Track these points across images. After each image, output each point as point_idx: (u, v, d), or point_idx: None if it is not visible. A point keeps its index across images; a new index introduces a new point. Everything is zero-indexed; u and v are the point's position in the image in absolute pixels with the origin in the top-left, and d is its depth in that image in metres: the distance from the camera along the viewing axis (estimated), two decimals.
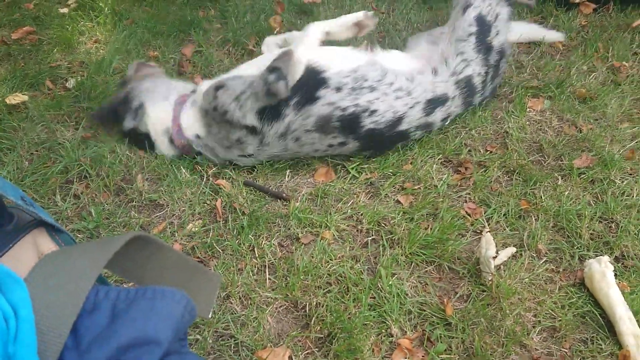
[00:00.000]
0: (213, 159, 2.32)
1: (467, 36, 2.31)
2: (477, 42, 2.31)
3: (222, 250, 2.01)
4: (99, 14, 3.37)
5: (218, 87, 2.20)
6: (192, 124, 2.29)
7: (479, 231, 2.05)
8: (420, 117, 2.26)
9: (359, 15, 2.37)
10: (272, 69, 2.14)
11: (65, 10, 3.47)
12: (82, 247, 0.77)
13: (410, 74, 2.27)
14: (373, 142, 2.25)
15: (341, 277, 1.89)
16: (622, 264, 1.93)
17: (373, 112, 2.17)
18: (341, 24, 2.36)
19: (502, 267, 1.91)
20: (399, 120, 2.22)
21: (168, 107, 2.36)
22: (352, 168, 2.29)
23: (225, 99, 2.17)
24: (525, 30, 2.82)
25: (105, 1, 3.47)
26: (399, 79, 2.23)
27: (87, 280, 0.66)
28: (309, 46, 2.26)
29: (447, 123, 2.39)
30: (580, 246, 1.98)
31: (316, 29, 2.32)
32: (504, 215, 2.09)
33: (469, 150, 2.35)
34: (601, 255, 1.92)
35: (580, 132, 2.38)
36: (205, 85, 2.29)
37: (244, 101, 2.14)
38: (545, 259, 1.95)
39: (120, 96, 2.45)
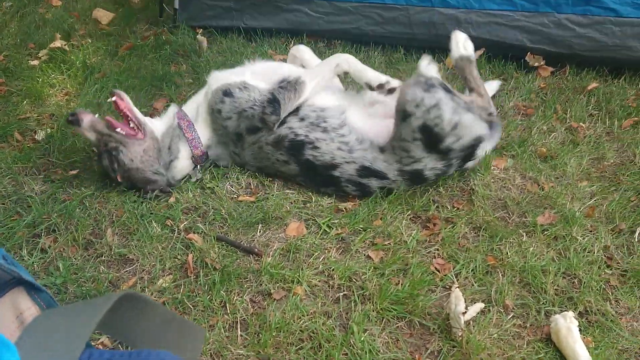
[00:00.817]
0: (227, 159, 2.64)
1: (413, 140, 2.35)
2: (425, 146, 2.35)
3: (193, 306, 1.99)
4: (70, 67, 3.39)
5: (226, 93, 2.49)
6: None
7: (448, 287, 2.08)
8: (353, 174, 2.42)
9: (388, 81, 2.53)
10: (273, 100, 2.42)
11: (35, 62, 3.49)
12: (72, 308, 0.77)
13: (362, 136, 2.45)
14: (309, 173, 2.47)
15: (313, 333, 1.90)
16: (586, 319, 1.99)
17: (316, 147, 2.42)
18: (366, 78, 2.56)
19: (471, 322, 1.94)
20: (333, 166, 2.42)
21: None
22: (324, 223, 2.32)
23: (230, 109, 2.48)
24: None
25: (76, 54, 3.50)
26: (351, 136, 2.43)
27: (78, 343, 0.67)
28: (319, 82, 2.56)
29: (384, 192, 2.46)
30: (546, 301, 2.03)
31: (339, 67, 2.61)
32: (472, 271, 2.14)
33: (437, 207, 2.41)
34: (566, 310, 1.97)
35: (543, 190, 2.47)
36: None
37: (242, 119, 2.47)
38: (512, 314, 1.99)
39: None
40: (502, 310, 2.00)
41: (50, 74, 3.34)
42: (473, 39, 3.26)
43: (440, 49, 3.38)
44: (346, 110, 2.51)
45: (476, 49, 3.25)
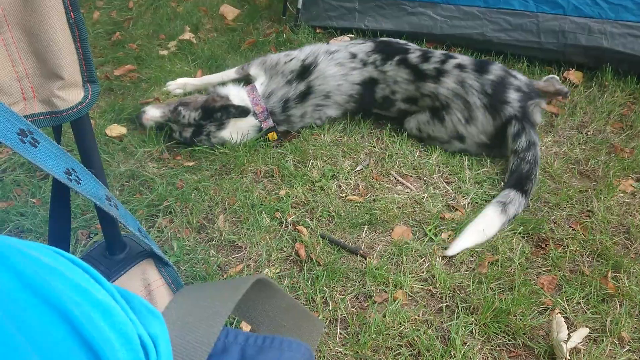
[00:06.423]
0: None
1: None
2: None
3: (295, 298, 2.02)
4: (197, 58, 3.56)
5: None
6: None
7: (559, 310, 1.98)
8: None
9: None
10: None
11: (165, 52, 3.69)
12: (213, 286, 0.79)
13: None
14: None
15: (413, 340, 1.87)
16: None
17: None
18: None
19: (582, 350, 1.83)
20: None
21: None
22: (429, 230, 2.29)
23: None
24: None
25: (202, 47, 3.67)
26: None
27: (219, 321, 0.69)
28: None
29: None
30: None
31: None
32: (584, 297, 2.02)
33: (551, 227, 2.30)
34: None
35: None
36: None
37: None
38: (628, 347, 1.86)
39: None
40: (617, 342, 1.88)
41: (177, 63, 3.52)
42: (604, 50, 3.10)
43: (566, 62, 3.25)
44: None
45: (607, 62, 3.10)
